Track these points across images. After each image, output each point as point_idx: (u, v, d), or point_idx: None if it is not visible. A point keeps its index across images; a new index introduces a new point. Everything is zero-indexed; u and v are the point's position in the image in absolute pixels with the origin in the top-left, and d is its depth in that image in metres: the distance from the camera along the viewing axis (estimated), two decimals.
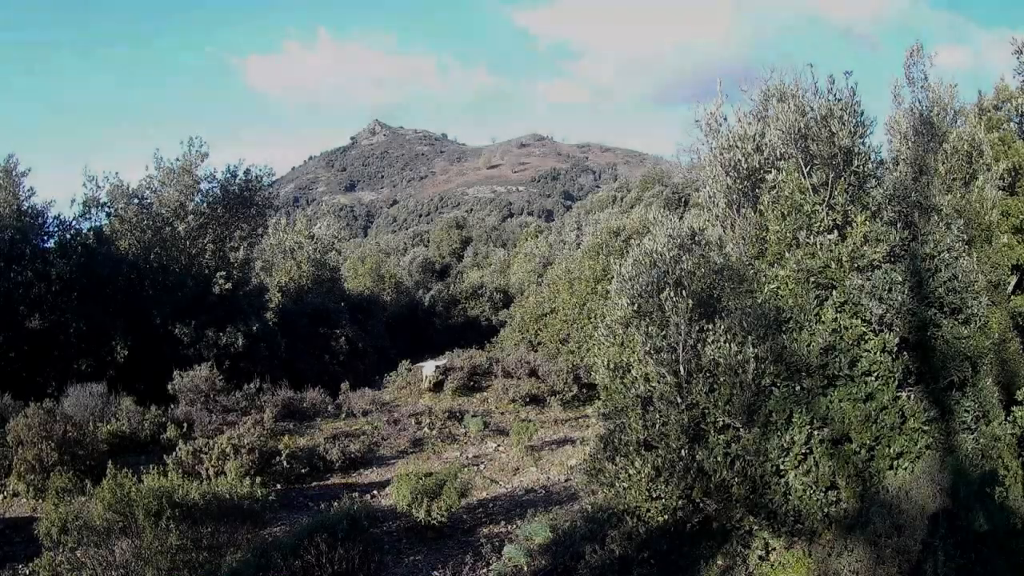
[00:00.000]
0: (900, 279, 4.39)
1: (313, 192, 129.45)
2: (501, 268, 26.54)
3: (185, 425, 8.04)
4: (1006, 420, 4.83)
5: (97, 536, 3.94)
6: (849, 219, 4.46)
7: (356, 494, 6.43)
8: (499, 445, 8.07)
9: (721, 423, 4.27)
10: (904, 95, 6.62)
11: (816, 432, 4.18)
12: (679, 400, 4.31)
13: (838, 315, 4.29)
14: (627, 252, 5.11)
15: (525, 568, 4.46)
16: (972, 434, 4.55)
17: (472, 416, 9.14)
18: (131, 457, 6.79)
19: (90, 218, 12.29)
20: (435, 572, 4.59)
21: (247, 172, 13.99)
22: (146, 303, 11.68)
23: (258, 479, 4.75)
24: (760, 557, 4.19)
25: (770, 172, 4.69)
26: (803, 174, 4.55)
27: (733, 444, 4.22)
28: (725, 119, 5.11)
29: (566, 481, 6.54)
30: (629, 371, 4.54)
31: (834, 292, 4.34)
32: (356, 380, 12.18)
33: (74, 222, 11.86)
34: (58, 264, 10.64)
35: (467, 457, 7.55)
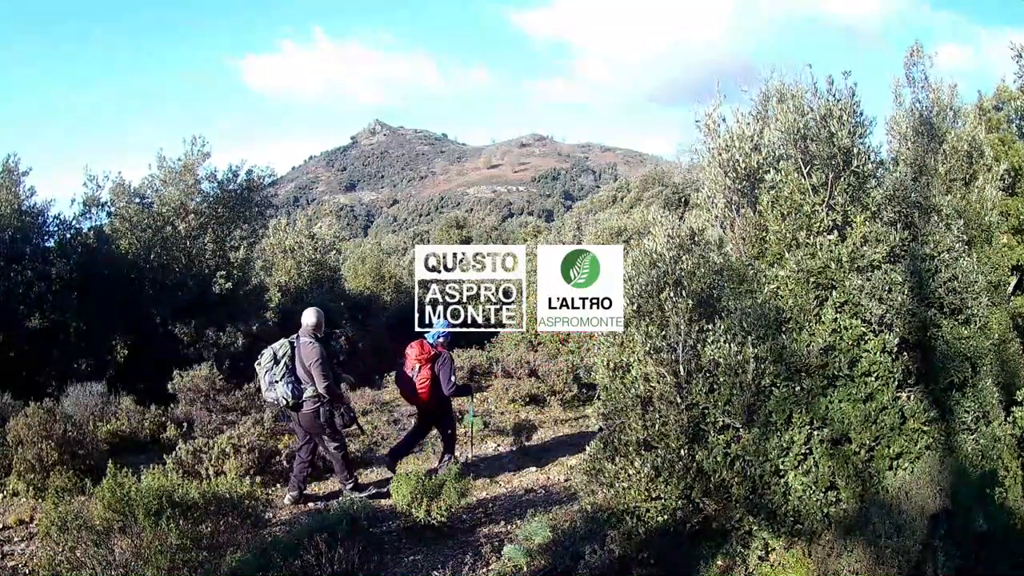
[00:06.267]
0: (900, 279, 4.39)
1: (313, 192, 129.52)
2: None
3: (185, 425, 8.04)
4: (1006, 421, 4.83)
5: (97, 535, 3.93)
6: (849, 219, 4.46)
7: (355, 494, 6.43)
8: (499, 445, 8.06)
9: (721, 423, 4.27)
10: (904, 95, 6.63)
11: (816, 432, 4.18)
12: (679, 400, 4.31)
13: (838, 315, 4.29)
14: (627, 253, 5.12)
15: (525, 568, 4.46)
16: (972, 435, 4.56)
17: (472, 416, 9.12)
18: (131, 457, 6.79)
19: (90, 217, 12.29)
20: (435, 572, 4.59)
21: (248, 172, 13.99)
22: (146, 303, 11.68)
23: (258, 479, 4.75)
24: (760, 557, 4.19)
25: (769, 172, 4.69)
26: (803, 174, 4.55)
27: (733, 444, 4.22)
28: (724, 119, 5.11)
29: (566, 481, 6.54)
30: (629, 371, 4.54)
31: (834, 292, 4.34)
32: (356, 380, 12.18)
33: (74, 221, 11.83)
34: (58, 264, 10.63)
35: (467, 457, 7.54)
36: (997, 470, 4.57)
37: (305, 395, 5.74)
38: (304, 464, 6.07)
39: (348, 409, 6.01)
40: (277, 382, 5.74)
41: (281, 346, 5.84)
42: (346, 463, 6.10)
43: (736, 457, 4.18)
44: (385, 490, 5.91)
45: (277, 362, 5.76)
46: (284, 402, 5.77)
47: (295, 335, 5.91)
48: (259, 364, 5.87)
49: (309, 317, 5.92)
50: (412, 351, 6.49)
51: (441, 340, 6.51)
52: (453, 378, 6.43)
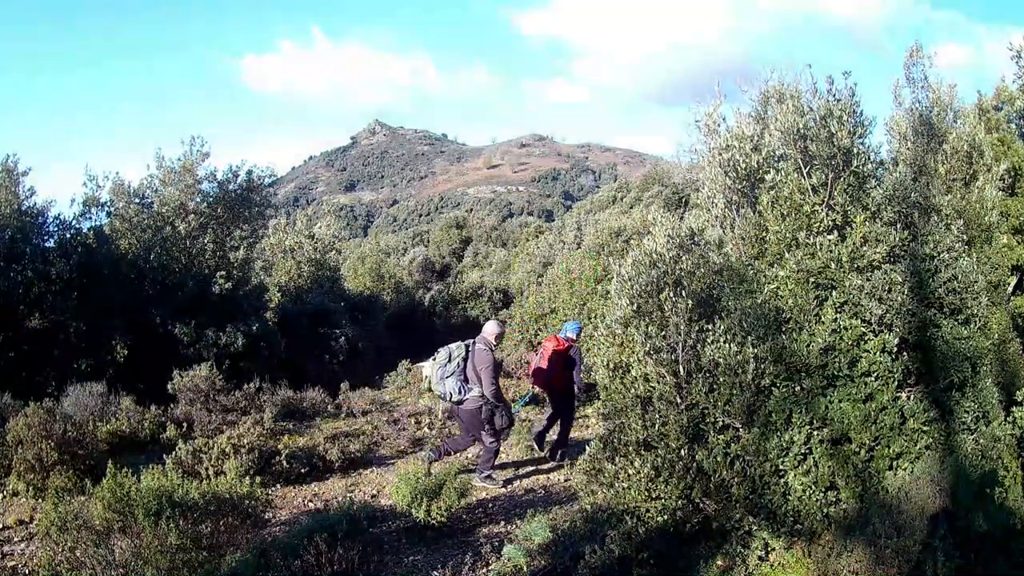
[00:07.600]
0: (900, 279, 4.38)
1: (313, 192, 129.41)
2: (501, 268, 26.52)
3: (185, 425, 8.03)
4: (1006, 421, 4.83)
5: (97, 535, 3.93)
6: (849, 219, 4.46)
7: (356, 494, 6.43)
8: None
9: (721, 423, 4.27)
10: (904, 95, 6.62)
11: (816, 432, 4.18)
12: (679, 400, 4.31)
13: (838, 315, 4.29)
14: (628, 252, 5.12)
15: (524, 568, 4.46)
16: (972, 435, 4.55)
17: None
18: (131, 457, 6.79)
19: (90, 218, 12.30)
20: (434, 572, 4.59)
21: (248, 172, 14.01)
22: (146, 303, 11.68)
23: (258, 479, 4.75)
24: (760, 557, 4.19)
25: (768, 172, 4.68)
26: (802, 174, 4.55)
27: (733, 444, 4.22)
28: (724, 119, 5.11)
29: (566, 481, 6.55)
30: (629, 371, 4.54)
31: (834, 292, 4.34)
32: (356, 380, 12.18)
33: (74, 222, 11.84)
34: (58, 264, 10.63)
35: (467, 457, 7.53)
36: (997, 470, 4.57)
37: (470, 394, 6.27)
38: (450, 446, 6.84)
39: (508, 411, 6.52)
40: (448, 377, 6.26)
41: (458, 347, 6.37)
42: (493, 457, 6.60)
43: (736, 457, 4.18)
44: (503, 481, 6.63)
45: (451, 360, 6.29)
46: (450, 395, 6.29)
47: (472, 340, 6.45)
48: (434, 359, 6.41)
49: (491, 328, 6.55)
50: (549, 343, 7.28)
51: (572, 336, 7.31)
52: (582, 364, 7.25)
